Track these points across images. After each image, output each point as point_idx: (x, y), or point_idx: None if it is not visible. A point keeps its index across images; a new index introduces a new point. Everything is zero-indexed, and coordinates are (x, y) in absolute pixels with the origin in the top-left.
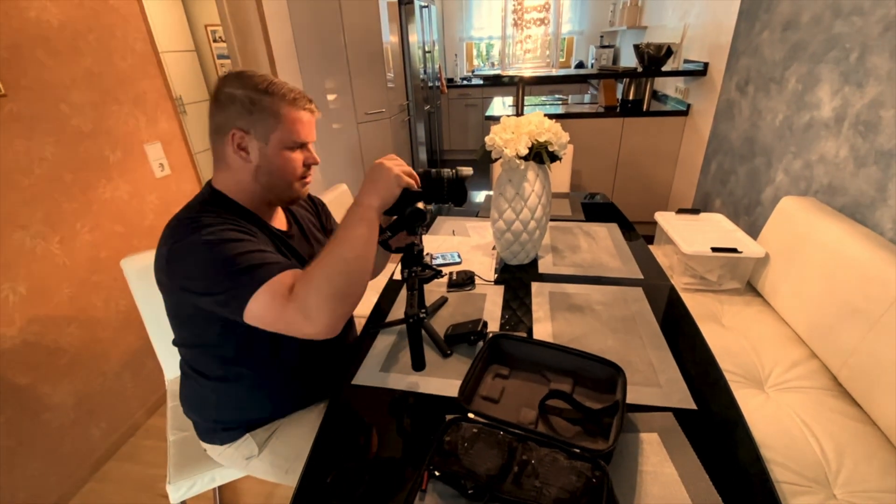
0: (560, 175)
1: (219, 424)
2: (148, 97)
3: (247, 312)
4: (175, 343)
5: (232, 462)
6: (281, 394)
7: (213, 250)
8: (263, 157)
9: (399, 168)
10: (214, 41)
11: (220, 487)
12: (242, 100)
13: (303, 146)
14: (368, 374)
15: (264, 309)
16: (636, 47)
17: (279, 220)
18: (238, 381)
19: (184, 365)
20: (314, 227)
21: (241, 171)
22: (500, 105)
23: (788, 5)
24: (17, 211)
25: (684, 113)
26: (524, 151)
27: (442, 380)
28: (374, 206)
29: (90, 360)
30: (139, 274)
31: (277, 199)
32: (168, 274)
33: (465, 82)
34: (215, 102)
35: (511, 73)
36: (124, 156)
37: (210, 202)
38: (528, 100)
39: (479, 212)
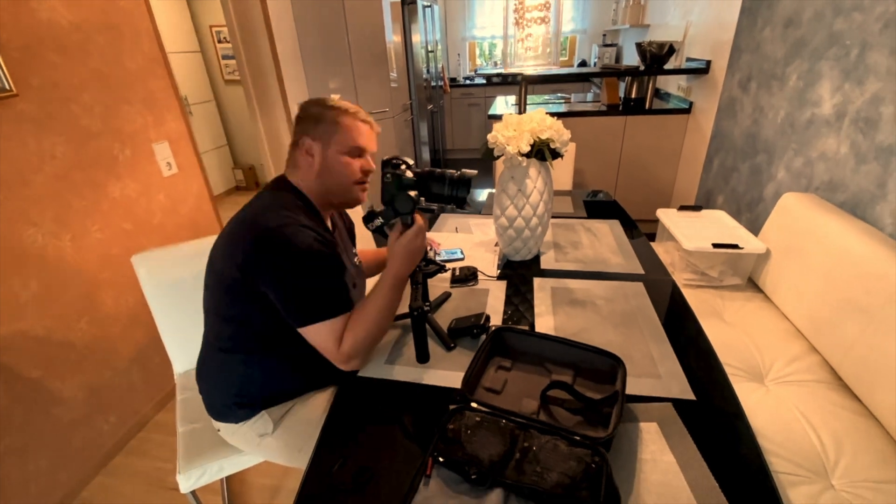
0: (563, 173)
1: (238, 399)
2: (156, 97)
3: (302, 329)
4: (218, 315)
5: (245, 441)
6: (302, 371)
7: (305, 263)
8: (325, 159)
9: (423, 240)
10: (219, 42)
11: (228, 480)
12: (313, 114)
13: (360, 154)
14: (374, 366)
15: (317, 338)
16: (639, 46)
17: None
18: (268, 356)
19: (215, 339)
20: (346, 233)
21: (308, 171)
22: (503, 104)
23: (790, 2)
24: (28, 209)
25: (687, 111)
26: (526, 149)
27: (445, 372)
28: (406, 277)
29: (99, 356)
30: (149, 270)
31: (338, 200)
32: (253, 257)
33: (467, 81)
34: (296, 120)
35: (513, 71)
36: (133, 155)
37: (287, 189)
38: (530, 99)
39: (482, 209)
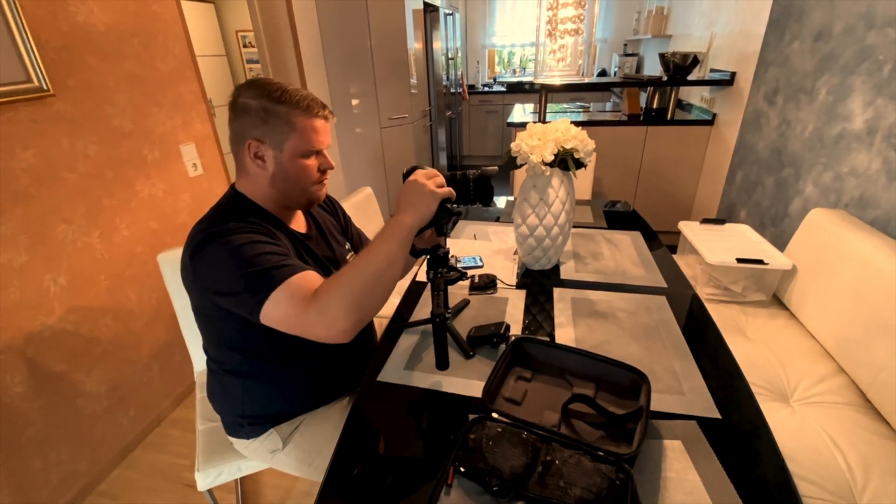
0: (582, 182)
1: (244, 419)
2: (185, 100)
3: (263, 313)
4: (209, 341)
5: (257, 455)
6: (304, 390)
7: (233, 252)
8: (279, 164)
9: (434, 182)
10: (244, 46)
11: (242, 479)
12: (257, 110)
13: (318, 153)
14: (393, 372)
15: (282, 309)
16: (661, 56)
17: (299, 223)
18: (262, 377)
19: (210, 362)
20: (334, 229)
21: (259, 177)
22: (521, 112)
23: (820, 15)
24: (61, 205)
25: (710, 122)
26: (550, 158)
27: (464, 380)
28: (408, 224)
29: (122, 351)
30: (174, 269)
31: (295, 203)
32: (192, 273)
33: (486, 89)
34: (232, 111)
35: (541, 81)
36: (161, 155)
37: (234, 205)
38: (549, 107)
39: (500, 217)
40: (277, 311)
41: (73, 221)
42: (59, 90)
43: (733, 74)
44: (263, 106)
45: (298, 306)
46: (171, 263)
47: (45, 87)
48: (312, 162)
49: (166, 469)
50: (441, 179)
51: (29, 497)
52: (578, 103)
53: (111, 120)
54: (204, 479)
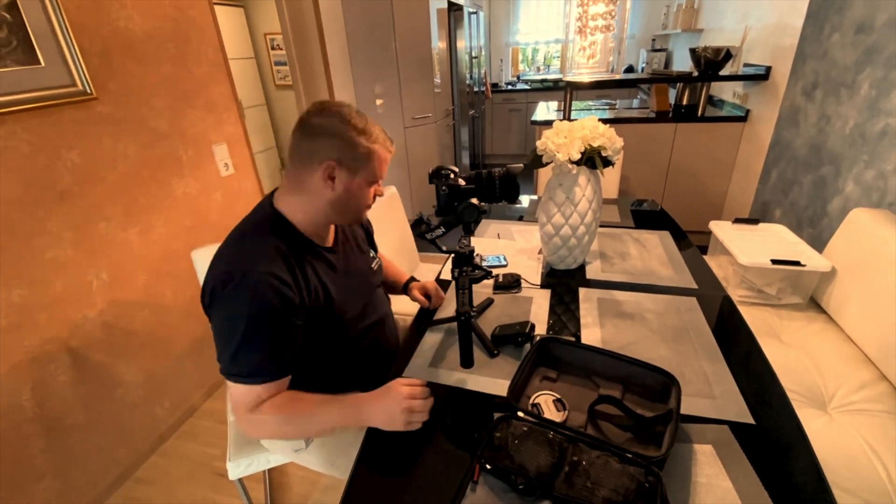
0: (609, 181)
1: None
2: (217, 101)
3: (227, 379)
4: None
5: (282, 452)
6: (328, 390)
7: (235, 323)
8: (347, 188)
9: (411, 406)
10: (272, 49)
11: (270, 470)
12: (343, 136)
13: (378, 181)
14: (418, 370)
15: (233, 397)
16: (692, 51)
17: (328, 237)
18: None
19: None
20: (360, 241)
21: (320, 196)
22: (545, 110)
23: (862, 7)
24: (102, 203)
25: (743, 119)
26: (577, 156)
27: (489, 379)
28: (364, 421)
29: (158, 344)
30: (207, 265)
31: (343, 221)
32: (209, 304)
33: (509, 87)
34: (303, 131)
35: (570, 78)
36: (195, 156)
37: (270, 229)
38: (574, 105)
39: (523, 216)
40: (232, 392)
41: (113, 219)
42: (101, 93)
43: (769, 69)
44: (350, 135)
45: (243, 406)
46: (204, 260)
47: (88, 91)
48: (372, 189)
49: (199, 458)
50: (421, 404)
51: (70, 482)
52: (604, 100)
53: (148, 122)
54: (235, 469)
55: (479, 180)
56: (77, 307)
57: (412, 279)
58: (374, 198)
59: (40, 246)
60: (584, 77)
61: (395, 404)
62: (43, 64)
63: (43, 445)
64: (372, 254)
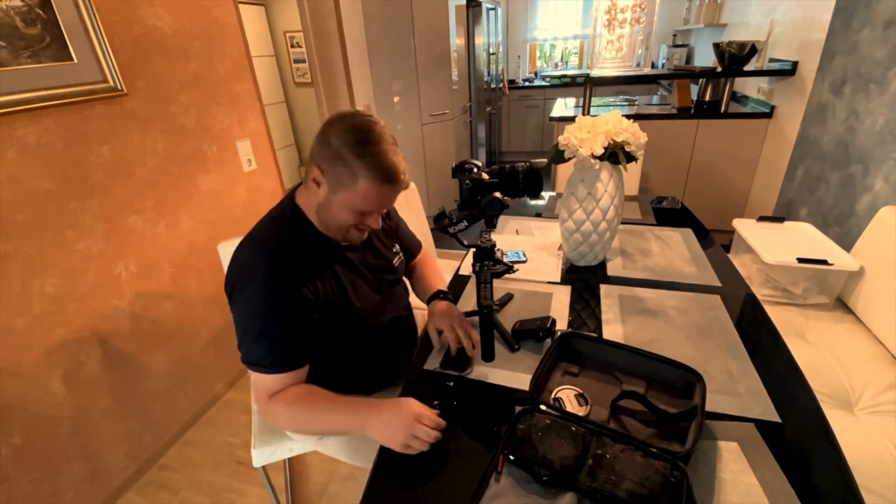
0: (629, 178)
1: None
2: (240, 98)
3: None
4: None
5: (304, 439)
6: (351, 379)
7: (252, 315)
8: (328, 201)
9: (418, 430)
10: (292, 46)
11: (290, 459)
12: (336, 148)
13: (364, 215)
14: (439, 362)
15: (254, 381)
16: (716, 46)
17: None
18: (310, 367)
19: None
20: (382, 235)
21: (312, 197)
22: (563, 106)
23: (891, 2)
24: (132, 197)
25: (768, 115)
26: (600, 151)
27: (510, 372)
28: (366, 432)
29: (182, 335)
30: None
31: (332, 235)
32: (230, 294)
33: (526, 83)
34: (320, 133)
35: (595, 73)
36: (219, 151)
37: (289, 225)
38: (593, 101)
39: (542, 212)
40: (252, 378)
41: (142, 213)
42: (130, 90)
43: (795, 64)
44: (341, 150)
45: (260, 394)
46: (230, 253)
47: (119, 87)
48: (355, 217)
49: (221, 446)
50: (426, 431)
51: (98, 467)
52: (623, 96)
53: (176, 118)
54: (259, 456)
55: (503, 174)
56: (107, 298)
57: (440, 293)
58: (365, 227)
59: (73, 238)
60: (609, 71)
61: (401, 422)
62: (76, 60)
63: (71, 431)
64: (395, 248)
